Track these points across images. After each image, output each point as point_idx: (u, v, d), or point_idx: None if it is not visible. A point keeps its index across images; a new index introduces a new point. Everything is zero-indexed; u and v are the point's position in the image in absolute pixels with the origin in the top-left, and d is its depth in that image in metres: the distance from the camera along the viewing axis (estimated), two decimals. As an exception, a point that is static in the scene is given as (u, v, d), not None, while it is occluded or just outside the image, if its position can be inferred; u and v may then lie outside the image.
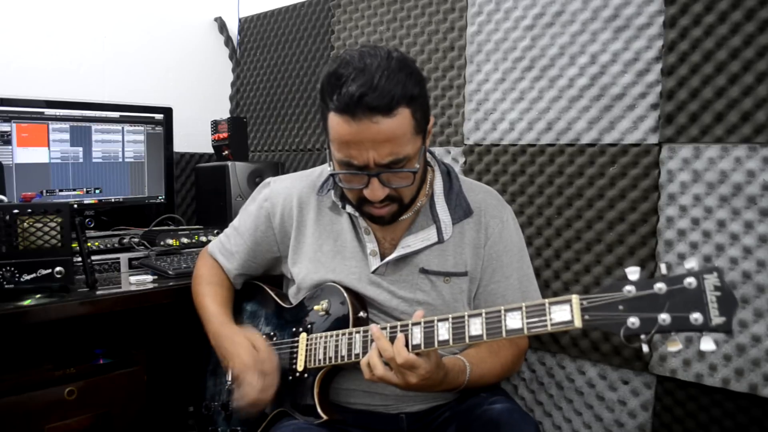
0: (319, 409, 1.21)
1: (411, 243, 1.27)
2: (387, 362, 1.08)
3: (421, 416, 1.28)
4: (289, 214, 1.37)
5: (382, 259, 1.28)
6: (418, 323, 1.08)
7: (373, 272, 1.28)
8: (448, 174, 1.33)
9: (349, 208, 1.30)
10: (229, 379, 1.36)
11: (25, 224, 1.35)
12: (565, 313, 0.94)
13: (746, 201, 1.29)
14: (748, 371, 1.29)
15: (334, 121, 1.12)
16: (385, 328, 1.12)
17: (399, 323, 1.11)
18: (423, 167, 1.24)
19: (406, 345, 1.07)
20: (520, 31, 1.61)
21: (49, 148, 1.87)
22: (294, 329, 1.31)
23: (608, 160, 1.47)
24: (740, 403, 1.33)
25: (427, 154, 1.35)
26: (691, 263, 0.87)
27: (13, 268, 1.33)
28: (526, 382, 1.66)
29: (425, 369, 1.06)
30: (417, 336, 1.07)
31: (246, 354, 1.26)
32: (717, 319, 0.84)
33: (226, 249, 1.47)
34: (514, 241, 1.33)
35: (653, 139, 1.41)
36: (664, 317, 0.86)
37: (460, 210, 1.29)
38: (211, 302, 1.40)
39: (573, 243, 1.54)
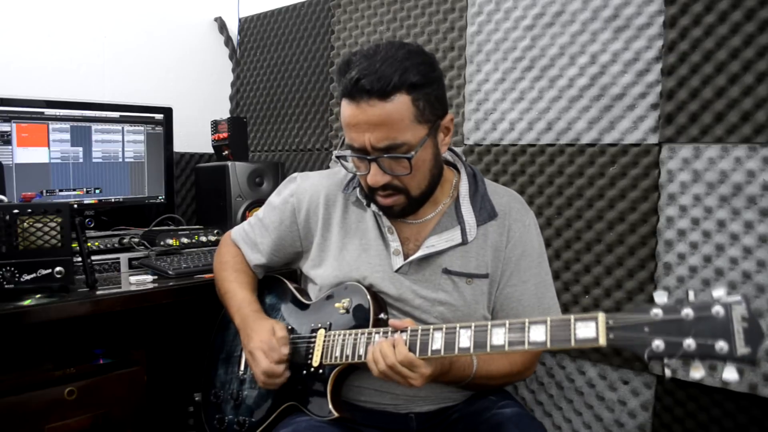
0: (330, 406, 1.21)
1: (435, 243, 1.26)
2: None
3: (431, 417, 1.28)
4: (315, 211, 1.37)
5: (405, 259, 1.28)
6: (440, 328, 1.08)
7: (396, 271, 1.28)
8: (474, 176, 1.33)
9: (373, 207, 1.30)
10: (242, 368, 1.38)
11: (25, 224, 1.35)
12: (590, 330, 0.93)
13: (746, 201, 1.29)
14: (748, 371, 1.28)
15: (342, 105, 1.18)
16: (405, 330, 1.12)
17: (420, 327, 1.11)
18: (434, 162, 1.23)
19: (425, 351, 1.08)
20: (520, 31, 1.61)
21: (49, 148, 1.87)
22: (313, 325, 1.31)
23: (608, 160, 1.47)
24: (740, 403, 1.33)
25: (453, 156, 1.35)
26: (719, 292, 0.86)
27: (13, 268, 1.33)
28: (526, 382, 1.66)
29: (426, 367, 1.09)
30: (438, 341, 1.07)
31: (267, 336, 1.27)
32: (742, 349, 0.83)
33: (250, 239, 1.47)
34: (534, 246, 1.31)
35: (653, 139, 1.41)
36: (689, 342, 0.86)
37: (485, 212, 1.29)
38: (240, 288, 1.42)
39: (573, 243, 1.54)
